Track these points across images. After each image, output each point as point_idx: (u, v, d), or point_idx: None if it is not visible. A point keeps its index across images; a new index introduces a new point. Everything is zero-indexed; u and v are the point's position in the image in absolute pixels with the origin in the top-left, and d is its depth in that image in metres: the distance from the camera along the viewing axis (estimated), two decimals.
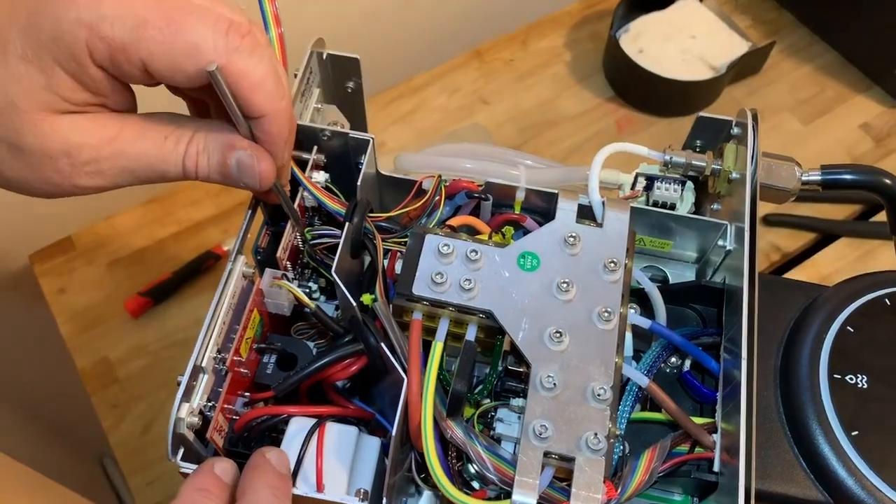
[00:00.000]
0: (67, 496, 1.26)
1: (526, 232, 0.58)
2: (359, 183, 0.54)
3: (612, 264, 0.51)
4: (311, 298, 0.57)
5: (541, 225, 0.58)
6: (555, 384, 0.47)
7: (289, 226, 0.54)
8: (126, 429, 0.92)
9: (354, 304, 0.49)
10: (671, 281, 0.60)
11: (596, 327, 0.50)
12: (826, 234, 1.01)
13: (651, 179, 0.59)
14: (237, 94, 0.43)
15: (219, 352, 0.49)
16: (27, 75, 0.40)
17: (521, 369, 0.51)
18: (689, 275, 0.61)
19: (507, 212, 0.58)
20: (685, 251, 0.60)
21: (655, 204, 0.59)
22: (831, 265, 0.99)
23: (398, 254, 0.56)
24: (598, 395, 0.47)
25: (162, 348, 0.96)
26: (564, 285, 0.50)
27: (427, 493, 0.56)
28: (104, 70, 0.42)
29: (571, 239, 0.52)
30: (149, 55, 0.41)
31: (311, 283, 0.59)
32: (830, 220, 1.01)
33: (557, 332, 0.48)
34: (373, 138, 0.56)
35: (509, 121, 1.10)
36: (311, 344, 0.56)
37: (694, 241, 0.59)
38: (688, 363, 0.54)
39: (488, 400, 0.52)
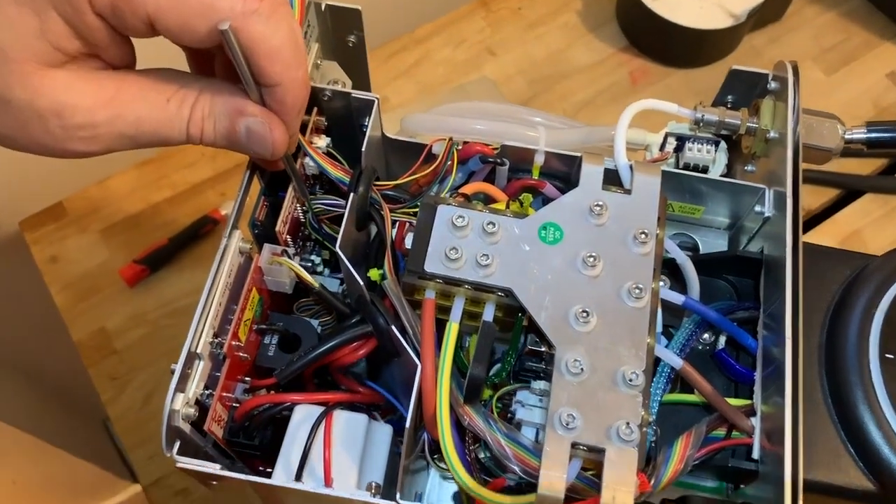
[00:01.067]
0: (70, 462, 1.24)
1: (546, 199, 0.54)
2: (363, 149, 0.49)
3: (643, 235, 0.46)
4: (314, 273, 0.53)
5: (561, 191, 0.53)
6: (582, 369, 0.43)
7: (288, 196, 0.50)
8: (126, 401, 0.88)
9: (361, 282, 0.45)
10: (702, 249, 0.56)
11: (625, 305, 0.45)
12: (850, 190, 0.96)
13: (682, 140, 0.54)
14: (251, 60, 0.39)
15: (215, 336, 0.45)
16: (19, 20, 0.37)
17: (542, 349, 0.47)
18: (720, 243, 0.56)
19: (524, 177, 0.54)
20: (717, 217, 0.56)
21: (686, 167, 0.54)
22: (855, 222, 0.94)
23: (407, 225, 0.52)
24: (630, 380, 0.43)
25: (161, 317, 0.92)
26: (591, 259, 0.46)
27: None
28: (103, 19, 0.38)
29: (597, 208, 0.47)
30: (157, 9, 0.37)
31: (313, 257, 0.55)
32: (855, 175, 0.96)
33: (584, 311, 0.44)
34: (377, 99, 0.51)
35: (518, 73, 1.05)
36: (315, 322, 0.52)
37: (726, 207, 0.54)
38: (722, 340, 0.50)
39: (508, 382, 0.48)
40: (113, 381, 0.89)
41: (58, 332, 0.96)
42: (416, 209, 0.51)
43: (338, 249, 0.46)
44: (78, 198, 0.98)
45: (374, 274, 0.50)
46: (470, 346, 0.51)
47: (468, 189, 0.52)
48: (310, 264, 0.54)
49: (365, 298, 0.45)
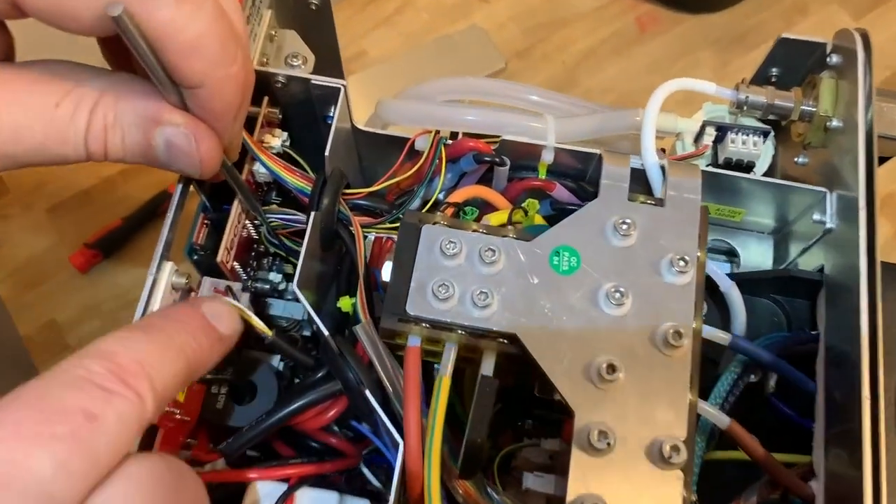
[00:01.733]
0: None
1: (555, 204, 0.44)
2: (327, 152, 0.39)
3: (682, 262, 0.37)
4: (275, 292, 0.44)
5: (574, 192, 0.43)
6: (608, 444, 0.34)
7: (233, 212, 0.40)
8: None
9: (326, 332, 0.35)
10: (742, 258, 0.46)
11: (661, 353, 0.36)
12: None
13: (723, 130, 0.44)
14: (162, 56, 0.29)
15: None
16: None
17: (555, 397, 0.38)
18: (763, 249, 0.47)
19: (528, 177, 0.44)
20: (760, 219, 0.46)
21: (728, 162, 0.44)
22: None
23: (385, 240, 0.42)
24: (669, 457, 0.34)
25: (117, 308, 0.83)
26: (617, 295, 0.36)
27: None
28: None
29: (623, 226, 0.37)
30: None
31: (272, 275, 0.45)
32: None
33: (610, 364, 0.35)
34: (344, 86, 0.40)
35: (512, 20, 0.94)
36: (275, 362, 0.42)
37: (773, 208, 0.45)
38: (773, 381, 0.41)
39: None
40: None
41: (1, 325, 0.86)
42: (397, 224, 0.41)
43: (296, 288, 0.36)
44: (21, 172, 0.88)
45: (345, 304, 0.41)
46: (466, 392, 0.42)
47: (460, 195, 0.42)
48: (268, 286, 0.44)
49: (331, 349, 0.36)
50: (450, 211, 0.41)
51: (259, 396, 0.41)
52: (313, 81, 0.40)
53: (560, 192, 0.43)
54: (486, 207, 0.44)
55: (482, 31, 0.92)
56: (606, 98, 0.92)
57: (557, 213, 0.44)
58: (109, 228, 0.83)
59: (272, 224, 0.41)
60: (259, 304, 0.44)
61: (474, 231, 0.38)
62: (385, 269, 0.38)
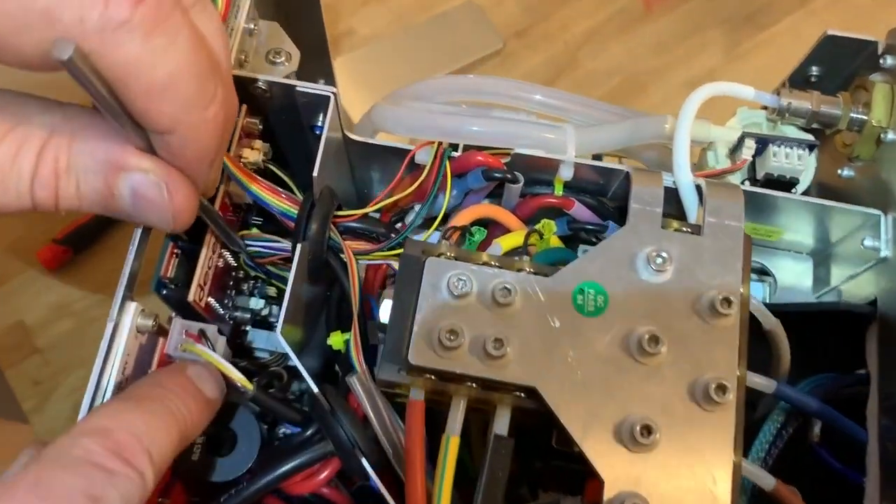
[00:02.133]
0: None
1: (573, 223, 0.39)
2: (315, 172, 0.34)
3: (725, 303, 0.32)
4: (256, 320, 0.39)
5: (594, 210, 0.38)
6: None
7: (206, 245, 0.34)
8: (53, 411, 0.75)
9: (316, 388, 0.30)
10: (779, 281, 0.42)
11: (700, 410, 0.31)
12: None
13: (763, 142, 0.38)
14: (125, 99, 0.24)
15: None
16: None
17: (575, 450, 0.34)
18: (801, 270, 0.42)
19: (543, 193, 0.39)
20: (799, 238, 0.41)
21: (769, 178, 0.39)
22: None
23: (379, 267, 0.37)
24: None
25: (89, 307, 0.78)
26: (651, 343, 0.31)
27: None
28: None
29: (659, 259, 0.33)
30: None
31: (252, 302, 0.40)
32: None
33: (645, 425, 0.30)
34: (334, 94, 0.35)
35: None
36: (255, 407, 0.37)
37: (814, 228, 0.40)
38: (817, 428, 0.36)
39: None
40: (36, 386, 0.75)
41: None
42: (396, 252, 0.36)
43: (279, 335, 0.31)
44: None
45: (336, 341, 0.36)
46: (473, 440, 0.37)
47: (466, 216, 0.37)
48: (248, 314, 0.39)
49: (321, 406, 0.31)
50: (455, 235, 0.36)
51: (239, 446, 0.36)
52: (299, 89, 0.35)
53: (579, 210, 0.38)
54: (494, 227, 0.39)
55: (478, 9, 0.86)
56: (611, 81, 0.87)
57: (575, 234, 0.39)
58: (79, 223, 0.77)
59: (252, 252, 0.36)
60: (239, 334, 0.39)
61: (485, 264, 0.33)
62: (383, 308, 0.32)
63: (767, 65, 0.88)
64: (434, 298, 0.32)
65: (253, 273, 0.39)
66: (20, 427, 0.96)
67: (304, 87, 0.35)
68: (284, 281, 0.38)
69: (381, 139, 0.39)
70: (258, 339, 0.40)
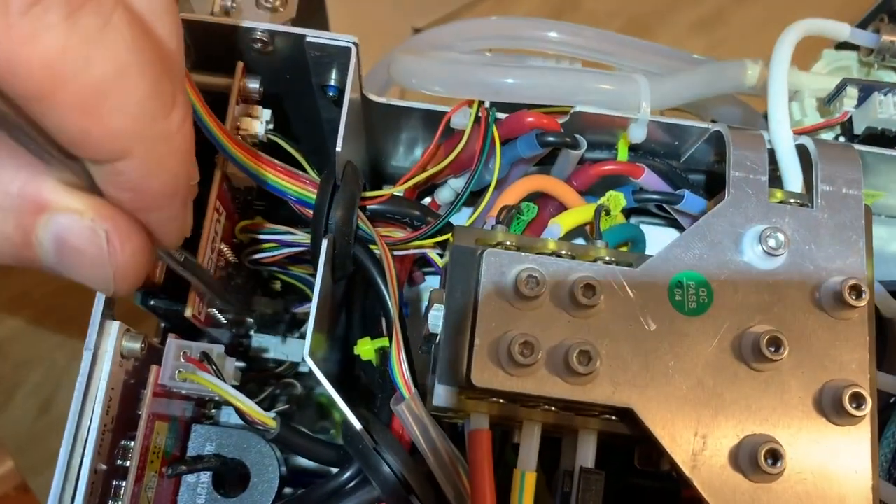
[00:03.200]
0: None
1: (639, 195, 0.32)
2: (339, 146, 0.26)
3: (854, 292, 0.26)
4: (265, 318, 0.32)
5: (666, 177, 0.32)
6: None
7: (204, 240, 0.27)
8: (16, 412, 0.68)
9: (359, 426, 0.24)
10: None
11: (830, 424, 0.26)
12: None
13: (866, 90, 0.32)
14: (47, 117, 0.17)
15: None
16: None
17: (664, 468, 0.28)
18: (890, 236, 0.36)
19: (604, 159, 0.32)
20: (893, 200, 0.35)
21: (871, 134, 0.32)
22: None
23: (409, 259, 0.30)
24: None
25: (49, 294, 0.70)
26: (771, 346, 0.25)
27: None
28: None
29: (771, 241, 0.26)
30: None
31: (255, 301, 0.33)
32: None
33: (770, 450, 0.24)
34: (356, 44, 0.28)
35: None
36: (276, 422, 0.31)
37: None
38: None
39: None
40: None
41: None
42: (435, 239, 0.29)
43: (307, 357, 0.24)
44: None
45: (365, 351, 0.29)
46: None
47: (518, 191, 0.31)
48: (252, 318, 0.32)
49: (359, 439, 0.24)
50: (504, 215, 0.29)
51: (253, 484, 0.29)
52: (310, 39, 0.27)
53: (649, 178, 0.31)
54: (544, 202, 0.32)
55: None
56: (613, 23, 0.80)
57: (643, 207, 0.33)
58: None
59: (252, 253, 0.29)
60: (241, 343, 0.33)
61: (554, 254, 0.27)
62: (433, 316, 0.26)
63: (782, 2, 0.81)
64: (498, 301, 0.26)
65: (253, 268, 0.32)
66: None
67: (316, 36, 0.27)
68: (292, 275, 0.32)
69: (398, 99, 0.32)
70: (264, 347, 0.33)
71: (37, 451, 0.68)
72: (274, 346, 0.34)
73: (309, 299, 0.35)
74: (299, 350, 0.34)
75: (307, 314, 0.35)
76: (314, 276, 0.32)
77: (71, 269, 0.20)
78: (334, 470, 0.27)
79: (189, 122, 0.19)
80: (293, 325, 0.36)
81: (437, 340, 0.26)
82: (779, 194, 0.28)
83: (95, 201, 0.19)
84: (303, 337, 0.35)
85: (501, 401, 0.25)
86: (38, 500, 0.68)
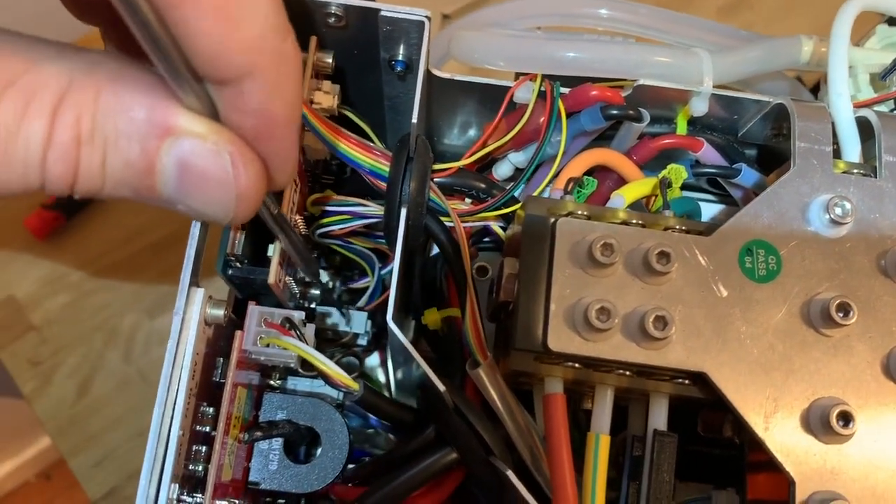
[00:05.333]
0: None
1: (698, 168, 0.33)
2: (415, 118, 0.27)
3: None
4: (326, 298, 0.33)
5: (724, 152, 0.32)
6: None
7: (285, 205, 0.28)
8: (55, 394, 0.69)
9: (442, 387, 0.24)
10: None
11: (893, 387, 0.26)
12: None
13: None
14: (181, 30, 0.17)
15: (182, 489, 0.25)
16: None
17: (726, 434, 0.29)
18: None
19: (663, 133, 0.33)
20: None
21: None
22: None
23: (467, 232, 0.31)
24: None
25: (86, 278, 0.71)
26: (840, 311, 0.26)
27: None
28: None
29: (838, 209, 0.27)
30: None
31: (320, 275, 0.34)
32: None
33: (843, 412, 0.25)
34: (428, 18, 0.28)
35: None
36: (337, 394, 0.32)
37: None
38: None
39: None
40: (34, 367, 0.69)
41: None
42: (501, 211, 0.30)
43: (390, 322, 0.25)
44: None
45: (432, 319, 0.30)
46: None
47: (581, 164, 0.31)
48: (318, 291, 0.33)
49: (444, 402, 0.25)
50: (570, 187, 0.30)
51: (324, 450, 0.30)
52: (384, 13, 0.28)
53: (707, 152, 0.32)
54: (602, 176, 0.33)
55: None
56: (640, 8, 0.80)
57: (699, 181, 0.34)
58: None
59: (323, 225, 0.30)
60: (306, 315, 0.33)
61: (625, 223, 0.27)
62: (507, 279, 0.26)
63: None
64: (572, 268, 0.26)
65: (320, 242, 0.33)
66: (19, 403, 0.90)
67: (390, 10, 0.28)
68: (353, 249, 0.32)
69: (461, 74, 0.33)
70: (327, 318, 0.34)
71: (76, 432, 0.69)
72: (336, 316, 0.34)
73: (366, 274, 0.36)
74: (361, 322, 0.35)
75: (364, 288, 0.36)
76: (375, 249, 0.33)
77: (191, 194, 0.20)
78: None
79: (300, 52, 0.19)
80: (349, 300, 0.37)
81: (511, 307, 0.27)
82: (842, 165, 0.29)
83: (219, 126, 0.19)
84: (361, 309, 0.36)
85: (577, 365, 0.26)
86: (64, 484, 0.69)
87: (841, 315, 0.26)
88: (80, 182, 0.19)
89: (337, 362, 0.34)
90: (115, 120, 0.19)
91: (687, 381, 0.26)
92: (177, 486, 0.25)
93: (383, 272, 0.33)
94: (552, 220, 0.27)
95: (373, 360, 0.39)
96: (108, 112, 0.19)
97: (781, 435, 0.25)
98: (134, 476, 0.30)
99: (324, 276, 0.34)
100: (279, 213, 0.24)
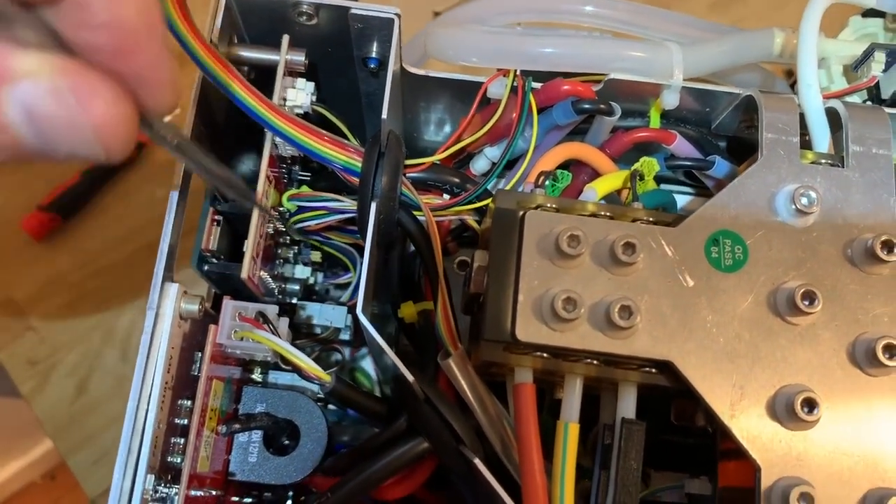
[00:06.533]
0: None
1: (671, 161, 0.33)
2: (385, 113, 0.28)
3: (885, 247, 0.27)
4: (306, 291, 0.33)
5: (697, 145, 0.33)
6: None
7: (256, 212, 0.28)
8: (53, 393, 0.69)
9: (411, 377, 0.25)
10: None
11: (863, 374, 0.26)
12: None
13: (895, 55, 0.33)
14: None
15: (159, 480, 0.26)
16: None
17: (698, 423, 0.29)
18: None
19: (635, 126, 0.33)
20: None
21: None
22: None
23: (445, 227, 0.31)
24: None
25: (85, 278, 0.71)
26: (806, 299, 0.26)
27: None
28: None
29: (804, 199, 0.27)
30: None
31: (298, 270, 0.34)
32: None
33: (807, 399, 0.25)
34: (398, 16, 0.29)
35: None
36: (315, 390, 0.32)
37: None
38: None
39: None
40: (33, 366, 0.69)
41: None
42: (473, 205, 0.30)
43: (360, 314, 0.25)
44: None
45: (408, 312, 0.30)
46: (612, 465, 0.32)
47: (553, 158, 0.32)
48: (297, 286, 0.33)
49: (413, 394, 0.26)
50: (540, 180, 0.30)
51: (303, 443, 0.30)
52: (354, 11, 0.28)
53: (680, 144, 0.32)
54: (577, 169, 0.33)
55: None
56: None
57: (675, 173, 0.34)
58: (66, 186, 0.71)
59: (298, 220, 0.30)
60: (285, 311, 0.34)
61: (593, 215, 0.28)
62: (477, 271, 0.27)
63: None
64: (540, 260, 0.27)
65: (298, 238, 0.33)
66: (22, 404, 0.91)
67: (360, 8, 0.28)
68: (333, 245, 0.33)
69: (436, 71, 0.33)
70: (308, 312, 0.35)
71: (74, 431, 0.70)
72: (317, 313, 0.35)
73: (349, 270, 0.36)
74: (341, 316, 0.35)
75: (347, 284, 0.36)
76: (355, 245, 0.34)
77: (51, 141, 0.18)
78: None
79: None
80: (333, 296, 0.38)
81: (481, 299, 0.27)
82: (810, 155, 0.29)
83: (53, 58, 0.17)
84: (342, 304, 0.36)
85: (545, 355, 0.26)
86: (69, 484, 0.69)
87: (806, 303, 0.26)
88: None
89: (320, 357, 0.34)
90: None
91: (654, 370, 0.27)
92: (153, 476, 0.25)
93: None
94: (521, 212, 0.27)
95: (366, 361, 0.40)
96: None
97: (747, 422, 0.26)
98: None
99: (304, 272, 0.34)
100: (182, 141, 0.22)
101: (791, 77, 0.42)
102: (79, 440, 0.70)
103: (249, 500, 0.32)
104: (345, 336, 0.37)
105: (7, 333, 0.71)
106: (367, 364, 0.40)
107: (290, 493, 0.33)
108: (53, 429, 0.71)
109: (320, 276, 0.37)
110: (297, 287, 0.33)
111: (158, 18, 0.19)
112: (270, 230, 0.29)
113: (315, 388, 0.33)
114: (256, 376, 0.33)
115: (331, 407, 0.34)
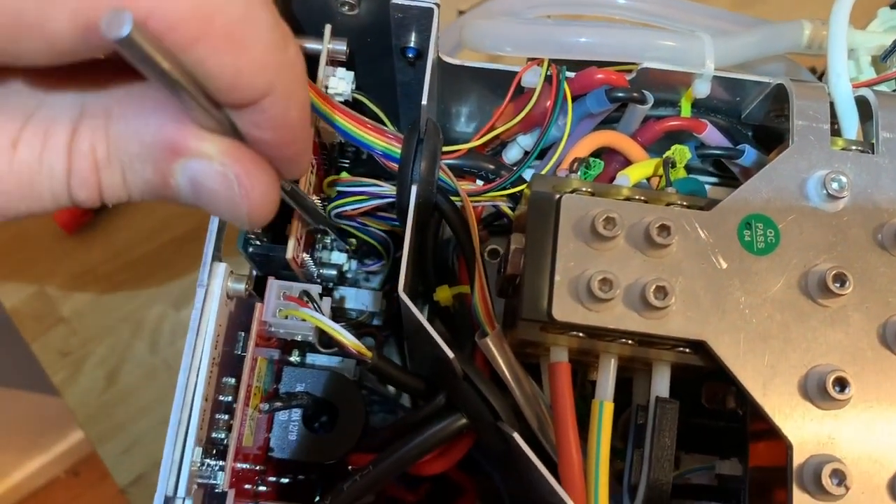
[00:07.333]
0: None
1: (702, 150, 0.34)
2: (424, 100, 0.28)
3: None
4: (342, 277, 0.34)
5: (728, 134, 0.33)
6: (846, 486, 0.25)
7: (300, 187, 0.29)
8: (84, 383, 0.71)
9: (451, 354, 0.26)
10: None
11: (889, 354, 0.27)
12: None
13: None
14: (203, 69, 0.18)
15: (205, 454, 0.26)
16: None
17: (729, 406, 0.30)
18: None
19: (668, 115, 0.33)
20: None
21: None
22: None
23: (478, 212, 0.32)
24: None
25: (115, 270, 0.73)
26: (836, 281, 0.27)
27: None
28: None
29: (835, 184, 0.28)
30: None
31: (334, 256, 0.35)
32: None
33: (838, 378, 0.26)
34: (437, 5, 0.29)
35: None
36: (354, 368, 0.33)
37: None
38: None
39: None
40: (64, 357, 0.71)
41: None
42: (508, 191, 0.31)
43: (401, 293, 0.26)
44: None
45: (443, 296, 0.31)
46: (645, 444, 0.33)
47: (587, 146, 0.32)
48: (334, 271, 0.34)
49: (454, 370, 0.26)
50: (574, 166, 0.31)
51: (341, 421, 0.31)
52: (395, 1, 0.29)
53: (711, 133, 0.33)
54: (609, 157, 0.34)
55: None
56: None
57: (703, 163, 0.35)
58: None
59: (337, 206, 0.31)
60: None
61: (628, 199, 0.28)
62: (514, 254, 0.28)
63: None
64: (576, 242, 0.27)
65: (335, 223, 0.34)
66: (49, 400, 0.92)
67: None
68: (368, 232, 0.34)
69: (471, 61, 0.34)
70: (343, 298, 0.36)
71: (105, 420, 0.71)
72: (352, 296, 0.36)
73: (381, 258, 0.37)
74: (375, 302, 0.36)
75: (378, 272, 0.37)
76: (391, 232, 0.35)
77: (208, 206, 0.21)
78: None
79: (300, 53, 0.20)
80: (361, 284, 0.38)
81: (518, 281, 0.28)
82: (840, 142, 0.29)
83: (227, 144, 0.20)
84: (376, 289, 0.37)
85: (581, 335, 0.27)
86: (92, 480, 0.70)
87: (838, 285, 0.27)
88: (107, 198, 0.21)
89: None
90: (127, 145, 0.20)
91: (688, 350, 0.27)
92: (200, 449, 0.26)
93: (398, 255, 0.35)
94: (557, 196, 0.28)
95: (389, 348, 0.41)
96: (120, 138, 0.20)
97: (779, 401, 0.26)
98: (160, 463, 0.31)
99: (340, 258, 0.35)
100: (292, 188, 0.26)
101: (815, 73, 0.42)
102: (108, 430, 0.72)
103: (286, 479, 0.33)
104: (377, 321, 0.37)
105: (39, 325, 0.72)
106: (391, 353, 0.41)
107: (320, 483, 0.34)
108: (84, 418, 0.72)
109: (354, 263, 0.38)
110: (333, 272, 0.34)
111: (309, 110, 0.22)
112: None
113: (353, 369, 0.33)
114: (294, 359, 0.33)
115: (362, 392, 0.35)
